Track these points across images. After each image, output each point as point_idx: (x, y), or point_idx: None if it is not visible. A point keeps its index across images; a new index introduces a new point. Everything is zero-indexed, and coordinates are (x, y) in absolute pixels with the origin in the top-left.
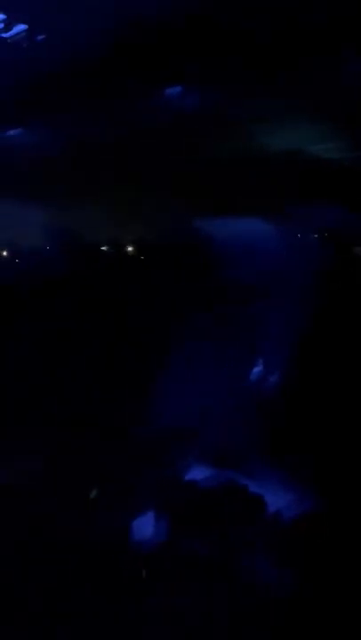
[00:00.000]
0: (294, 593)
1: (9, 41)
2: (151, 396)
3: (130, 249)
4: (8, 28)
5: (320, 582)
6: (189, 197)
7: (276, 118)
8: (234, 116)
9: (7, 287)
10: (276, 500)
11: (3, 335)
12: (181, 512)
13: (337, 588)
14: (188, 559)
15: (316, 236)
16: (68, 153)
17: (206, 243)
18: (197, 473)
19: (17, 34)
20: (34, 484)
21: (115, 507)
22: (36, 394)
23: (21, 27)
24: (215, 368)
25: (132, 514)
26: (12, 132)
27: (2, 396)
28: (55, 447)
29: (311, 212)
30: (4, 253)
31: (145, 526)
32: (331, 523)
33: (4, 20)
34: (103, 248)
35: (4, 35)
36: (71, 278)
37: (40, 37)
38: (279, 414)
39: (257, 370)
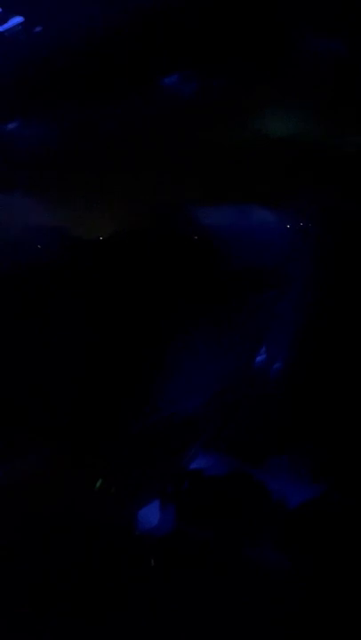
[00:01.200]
0: (302, 580)
1: (5, 34)
2: (156, 385)
3: (127, 239)
4: (4, 20)
5: (328, 569)
6: (190, 186)
7: (275, 104)
8: (233, 102)
9: (5, 280)
10: (283, 487)
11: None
12: (187, 501)
13: (346, 575)
14: (195, 547)
15: (317, 223)
16: (67, 145)
17: (206, 231)
18: (203, 461)
19: (13, 27)
20: (37, 474)
21: (120, 496)
22: (38, 383)
23: (18, 19)
24: (220, 356)
25: (137, 503)
26: (9, 126)
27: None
28: (59, 437)
29: (312, 200)
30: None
31: (151, 515)
32: (338, 510)
33: None
34: (101, 238)
35: (0, 28)
36: (70, 269)
37: (37, 30)
38: (285, 402)
39: (262, 357)
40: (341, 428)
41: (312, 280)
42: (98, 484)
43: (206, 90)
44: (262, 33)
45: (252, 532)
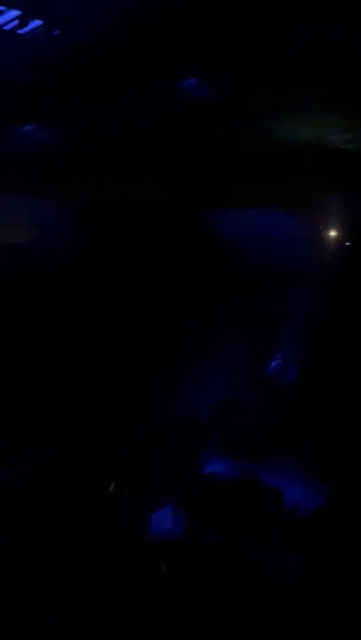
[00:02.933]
0: (303, 581)
1: (25, 37)
2: (168, 389)
3: (133, 240)
4: (23, 23)
5: (338, 574)
6: (195, 188)
7: (276, 104)
8: (233, 102)
9: (7, 281)
10: (295, 492)
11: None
12: (199, 505)
13: (346, 575)
14: (206, 552)
15: (325, 226)
16: (69, 146)
17: (214, 233)
18: (215, 466)
19: (32, 29)
20: (49, 476)
21: (133, 500)
22: (48, 384)
23: (37, 22)
24: (232, 360)
25: (150, 507)
26: (27, 129)
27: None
28: (70, 441)
29: (321, 203)
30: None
31: (163, 519)
32: (350, 516)
33: (19, 17)
34: (105, 240)
35: (20, 31)
36: (72, 270)
37: (56, 32)
38: (298, 407)
39: (275, 362)
40: (348, 432)
41: (325, 282)
42: (111, 487)
43: (207, 90)
44: (262, 33)
45: (253, 530)
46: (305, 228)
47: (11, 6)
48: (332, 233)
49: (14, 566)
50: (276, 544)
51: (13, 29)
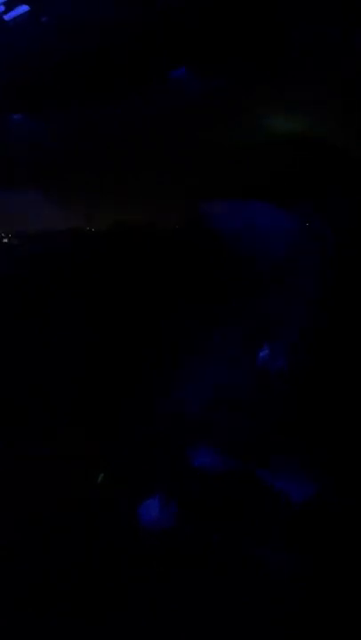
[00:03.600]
0: (302, 580)
1: (11, 23)
2: (160, 382)
3: (133, 235)
4: (9, 9)
5: (332, 567)
6: (194, 184)
7: (276, 103)
8: (233, 101)
9: (9, 275)
10: (287, 486)
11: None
12: (190, 498)
13: (346, 575)
14: (202, 546)
15: (323, 222)
16: (71, 137)
17: (208, 228)
18: (206, 459)
19: (19, 15)
20: (37, 467)
21: (122, 492)
22: (40, 377)
23: (23, 8)
24: (225, 354)
25: (139, 499)
26: (14, 117)
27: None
28: (60, 432)
29: (317, 198)
30: (5, 240)
31: (152, 510)
32: (343, 510)
33: (4, 3)
34: (105, 234)
35: (6, 17)
36: (71, 267)
37: (43, 19)
38: (287, 400)
39: (267, 355)
40: (342, 426)
41: (316, 277)
42: (99, 478)
43: (207, 89)
44: (262, 33)
45: (253, 529)
46: (302, 222)
47: None
48: (330, 231)
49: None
50: (273, 537)
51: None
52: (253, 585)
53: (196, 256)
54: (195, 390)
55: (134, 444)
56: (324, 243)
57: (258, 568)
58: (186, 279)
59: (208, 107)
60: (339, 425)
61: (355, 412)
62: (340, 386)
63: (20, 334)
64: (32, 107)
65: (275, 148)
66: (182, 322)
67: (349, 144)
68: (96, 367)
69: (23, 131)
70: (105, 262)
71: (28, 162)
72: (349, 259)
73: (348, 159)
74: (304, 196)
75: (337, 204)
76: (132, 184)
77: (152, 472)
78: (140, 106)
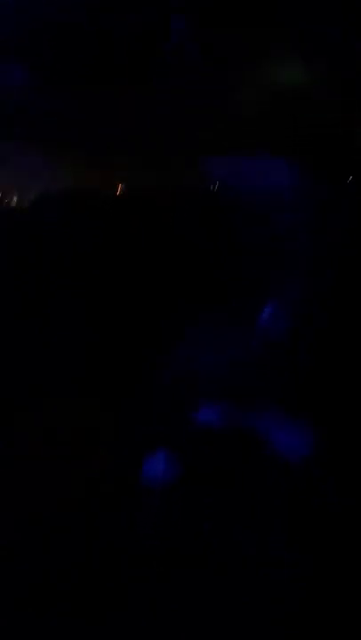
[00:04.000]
0: (304, 534)
1: None
2: (164, 340)
3: (132, 192)
4: None
5: (330, 521)
6: (196, 138)
7: (280, 55)
8: (238, 55)
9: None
10: (285, 438)
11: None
12: (191, 451)
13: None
14: (198, 496)
15: (323, 178)
16: (67, 93)
17: (214, 186)
18: (206, 413)
19: None
20: (42, 422)
21: (125, 445)
22: (39, 333)
23: None
24: (228, 313)
25: (142, 452)
26: (13, 72)
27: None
28: (67, 389)
29: (324, 156)
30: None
31: (155, 464)
32: (339, 462)
33: None
34: (104, 193)
35: None
36: (73, 223)
37: None
38: (289, 354)
39: (270, 314)
40: (347, 380)
41: (321, 235)
42: (105, 432)
43: (211, 45)
44: None
45: (254, 481)
46: (308, 181)
47: None
48: (330, 182)
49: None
50: (270, 490)
51: None
52: (253, 534)
53: (198, 215)
54: (198, 349)
55: (138, 402)
56: (327, 201)
57: (257, 517)
58: (187, 239)
59: (209, 62)
60: (334, 376)
61: (350, 364)
62: (336, 338)
63: (18, 297)
64: (31, 62)
65: (277, 103)
66: (185, 281)
67: (354, 99)
68: (98, 327)
69: (22, 87)
70: (105, 222)
71: (28, 119)
72: (353, 216)
73: (352, 114)
74: (308, 152)
75: (341, 161)
76: (133, 142)
77: (156, 429)
78: (141, 62)
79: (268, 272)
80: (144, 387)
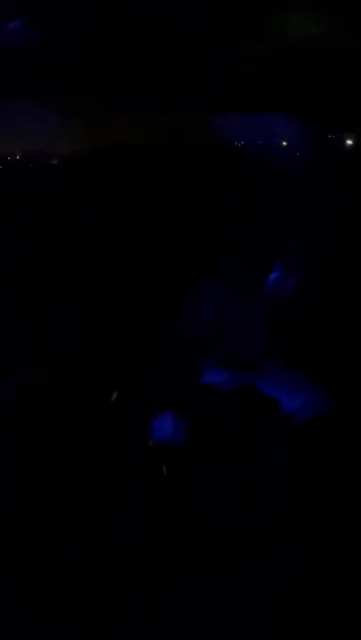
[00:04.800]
0: (309, 494)
1: None
2: (169, 304)
3: (138, 152)
4: None
5: (336, 482)
6: (204, 94)
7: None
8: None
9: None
10: (292, 401)
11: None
12: (199, 414)
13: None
14: (207, 459)
15: (336, 136)
16: (74, 47)
17: (222, 143)
18: (214, 377)
19: None
20: (52, 387)
21: (134, 409)
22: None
23: None
24: (232, 275)
25: (151, 416)
26: (10, 26)
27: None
28: (74, 352)
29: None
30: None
31: (164, 427)
32: (346, 424)
33: None
34: (111, 157)
35: None
36: (72, 183)
37: None
38: (296, 318)
39: (273, 275)
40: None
41: (330, 197)
42: (114, 395)
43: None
44: None
45: (262, 444)
46: (308, 137)
47: None
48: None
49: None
50: (274, 453)
51: None
52: (260, 495)
53: (205, 173)
54: (197, 307)
55: (138, 358)
56: (336, 159)
57: (264, 478)
58: (195, 198)
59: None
60: (338, 339)
61: (354, 328)
62: (340, 302)
63: (18, 266)
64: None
65: (286, 59)
66: (191, 242)
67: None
68: (105, 294)
69: (23, 37)
70: (110, 182)
71: (26, 74)
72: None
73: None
74: (318, 111)
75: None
76: (138, 98)
77: (155, 385)
78: (143, 18)
79: (274, 234)
80: (150, 353)
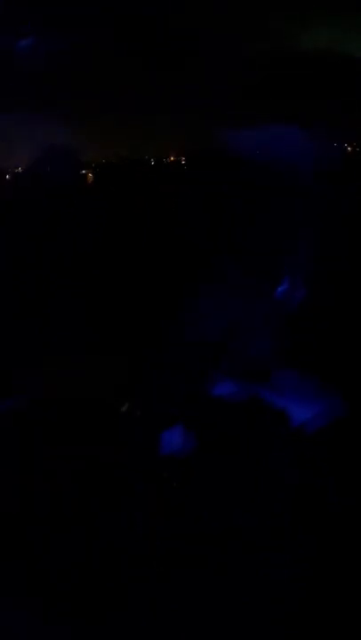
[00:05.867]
0: (320, 503)
1: None
2: (177, 314)
3: (143, 165)
4: None
5: (346, 492)
6: (210, 105)
7: (306, 16)
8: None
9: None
10: (302, 412)
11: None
12: (208, 425)
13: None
14: (216, 470)
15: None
16: (71, 59)
17: (230, 151)
18: (223, 388)
19: None
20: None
21: (144, 420)
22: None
23: None
24: (242, 282)
25: (160, 426)
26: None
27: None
28: (86, 363)
29: (339, 117)
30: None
31: (173, 438)
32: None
33: None
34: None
35: None
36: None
37: None
38: (306, 327)
39: (284, 283)
40: (352, 354)
41: (337, 207)
42: (124, 407)
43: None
44: None
45: (271, 455)
46: (325, 146)
47: None
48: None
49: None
50: (281, 462)
51: None
52: (269, 503)
53: (212, 185)
54: (205, 317)
55: (147, 368)
56: (342, 167)
57: (274, 488)
58: (203, 211)
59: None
60: (344, 350)
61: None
62: (346, 311)
63: (23, 270)
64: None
65: (302, 62)
66: (203, 254)
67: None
68: (115, 300)
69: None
70: (117, 193)
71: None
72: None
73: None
74: (322, 119)
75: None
76: (138, 98)
77: (164, 395)
78: (145, 29)
79: (283, 245)
80: (161, 363)
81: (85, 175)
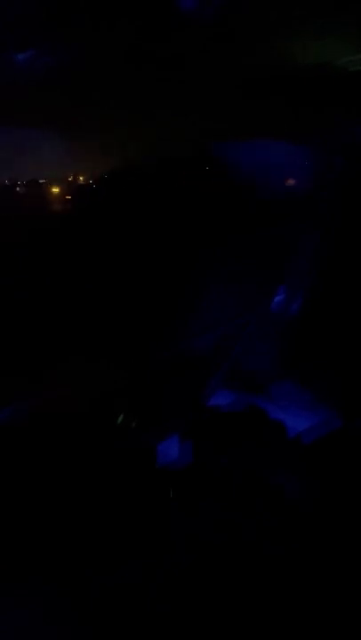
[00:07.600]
0: (318, 512)
1: None
2: (173, 323)
3: (139, 174)
4: None
5: (344, 502)
6: (205, 116)
7: (302, 29)
8: (254, 25)
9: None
10: (299, 423)
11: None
12: (206, 436)
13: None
14: (213, 481)
15: (341, 156)
16: (77, 75)
17: (226, 165)
18: (220, 397)
19: None
20: (59, 406)
21: (141, 431)
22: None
23: None
24: (238, 293)
25: (158, 438)
26: (19, 57)
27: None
28: (81, 371)
29: (337, 133)
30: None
31: (170, 449)
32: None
33: None
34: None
35: None
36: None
37: None
38: (302, 340)
39: (281, 293)
40: (352, 364)
41: (335, 215)
42: (119, 419)
43: (223, 17)
44: None
45: (269, 465)
46: (324, 162)
47: None
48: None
49: None
50: (282, 472)
51: None
52: (268, 513)
53: (207, 197)
54: (202, 326)
55: (143, 378)
56: (340, 180)
57: (266, 496)
58: (197, 222)
59: (224, 36)
60: (344, 359)
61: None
62: (345, 321)
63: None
64: (38, 40)
65: (298, 75)
66: (189, 257)
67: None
68: (108, 309)
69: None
70: (116, 198)
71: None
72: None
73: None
74: (325, 131)
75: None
76: (136, 122)
77: (161, 406)
78: (144, 39)
79: (279, 256)
80: (157, 372)
81: (85, 184)
